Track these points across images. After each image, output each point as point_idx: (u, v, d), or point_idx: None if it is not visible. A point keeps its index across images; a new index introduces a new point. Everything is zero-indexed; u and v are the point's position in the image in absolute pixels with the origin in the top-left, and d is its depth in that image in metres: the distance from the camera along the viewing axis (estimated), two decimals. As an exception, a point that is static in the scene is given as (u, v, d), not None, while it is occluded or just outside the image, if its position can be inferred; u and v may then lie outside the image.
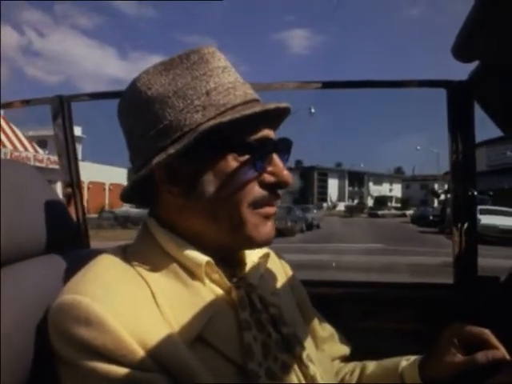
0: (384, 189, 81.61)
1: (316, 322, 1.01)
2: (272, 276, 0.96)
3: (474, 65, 1.31)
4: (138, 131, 0.80)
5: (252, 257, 0.89)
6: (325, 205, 67.47)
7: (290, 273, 1.04)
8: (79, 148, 38.98)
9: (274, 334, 0.79)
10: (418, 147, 69.28)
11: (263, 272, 0.89)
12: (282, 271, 1.01)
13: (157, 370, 0.66)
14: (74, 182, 1.74)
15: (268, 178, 0.79)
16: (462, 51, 1.17)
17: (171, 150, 0.73)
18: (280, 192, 0.82)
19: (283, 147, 0.83)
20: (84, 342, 0.65)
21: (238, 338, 0.74)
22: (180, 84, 0.77)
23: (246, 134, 0.77)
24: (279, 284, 0.96)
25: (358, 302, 1.60)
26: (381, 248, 15.30)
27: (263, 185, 0.78)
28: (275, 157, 0.80)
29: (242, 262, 0.87)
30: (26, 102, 1.71)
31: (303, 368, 0.79)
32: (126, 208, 26.17)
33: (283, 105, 0.79)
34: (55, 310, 0.70)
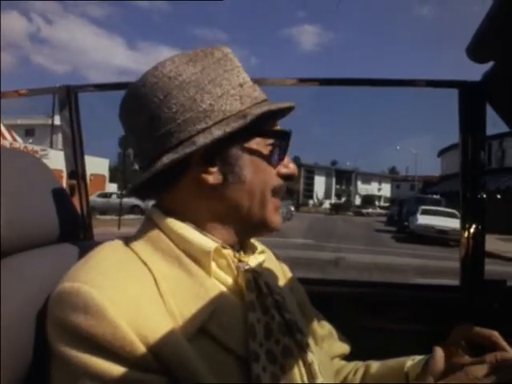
0: (372, 188, 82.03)
1: (315, 320, 1.01)
2: (272, 275, 0.96)
3: (488, 66, 1.31)
4: (167, 115, 0.79)
5: (254, 249, 0.90)
6: (311, 202, 68.01)
7: (288, 273, 1.04)
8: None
9: (278, 317, 0.79)
10: (398, 147, 69.49)
11: (263, 266, 0.89)
12: (280, 271, 1.02)
13: (154, 364, 0.65)
14: (78, 174, 1.73)
15: (282, 169, 0.85)
16: (477, 52, 1.18)
17: (218, 132, 0.76)
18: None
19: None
20: (82, 330, 0.64)
21: (242, 323, 0.74)
22: (213, 74, 0.80)
23: (271, 126, 0.85)
24: (278, 279, 0.97)
25: (364, 302, 1.60)
26: (308, 243, 15.65)
27: (279, 174, 0.85)
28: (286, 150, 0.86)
29: (248, 251, 0.88)
30: (33, 91, 1.69)
31: (302, 354, 0.79)
32: (93, 197, 26.39)
33: (293, 104, 0.85)
34: (54, 297, 0.69)
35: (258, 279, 0.81)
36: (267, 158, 0.83)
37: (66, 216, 1.04)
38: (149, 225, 0.83)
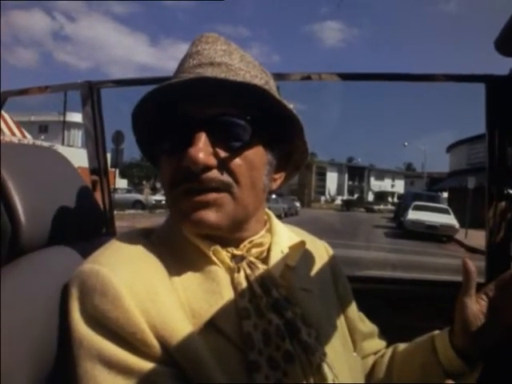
0: (386, 184, 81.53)
1: (356, 315, 0.99)
2: (309, 265, 0.93)
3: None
4: None
5: (279, 246, 0.86)
6: (323, 198, 68.04)
7: (335, 264, 1.01)
8: (79, 134, 39.21)
9: (276, 321, 0.75)
10: (406, 143, 68.23)
11: (295, 263, 0.86)
12: (325, 258, 0.99)
13: (162, 354, 0.67)
14: (101, 169, 1.73)
15: (182, 159, 0.73)
16: (505, 45, 1.15)
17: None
18: (212, 176, 0.73)
19: (228, 125, 0.75)
20: (97, 312, 0.66)
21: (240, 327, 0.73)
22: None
23: (166, 115, 0.76)
24: (318, 273, 0.94)
25: (384, 299, 1.58)
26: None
27: (180, 167, 0.74)
28: (198, 136, 0.72)
29: (249, 244, 0.83)
30: (56, 88, 1.70)
31: (309, 355, 0.76)
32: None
33: (182, 78, 0.72)
34: (74, 277, 0.71)
35: (250, 278, 0.78)
36: (162, 157, 0.78)
37: (88, 211, 1.04)
38: (170, 218, 0.85)
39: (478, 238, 17.10)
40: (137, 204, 26.66)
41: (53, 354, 0.78)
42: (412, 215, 20.32)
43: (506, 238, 1.51)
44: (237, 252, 0.80)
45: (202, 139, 0.72)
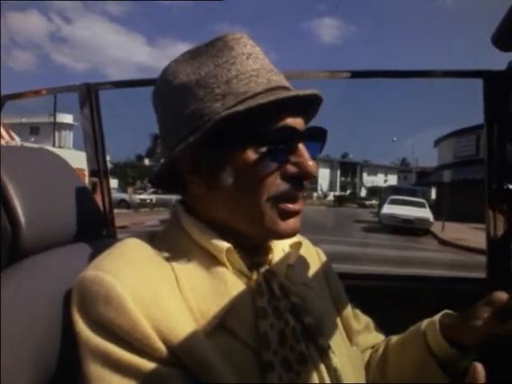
0: (379, 179, 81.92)
1: (350, 314, 0.99)
2: (304, 266, 0.94)
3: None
4: (164, 120, 0.82)
5: (281, 245, 0.87)
6: (315, 194, 68.30)
7: (326, 264, 1.02)
8: (70, 135, 39.09)
9: (293, 323, 0.76)
10: (394, 138, 68.61)
11: (293, 262, 0.87)
12: (317, 262, 1.00)
13: (170, 358, 0.66)
14: (100, 171, 1.73)
15: (291, 168, 0.75)
16: (503, 40, 1.16)
17: (190, 140, 0.73)
18: (306, 183, 0.79)
19: (313, 136, 0.80)
20: (102, 319, 0.66)
21: (256, 326, 0.73)
22: (203, 73, 0.76)
23: (267, 124, 0.73)
24: (312, 274, 0.95)
25: (388, 295, 1.59)
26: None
27: (286, 176, 0.75)
28: (301, 147, 0.76)
29: (267, 250, 0.85)
30: (53, 90, 1.69)
31: (325, 360, 0.77)
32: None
33: (304, 92, 0.74)
34: (77, 284, 0.70)
35: (270, 281, 0.79)
36: (260, 164, 0.73)
37: (88, 214, 1.04)
38: (174, 221, 0.84)
39: (454, 230, 17.51)
40: (121, 203, 26.70)
41: (55, 357, 0.78)
42: (387, 209, 20.54)
43: (505, 234, 1.52)
44: (258, 259, 0.82)
45: (305, 149, 0.76)
